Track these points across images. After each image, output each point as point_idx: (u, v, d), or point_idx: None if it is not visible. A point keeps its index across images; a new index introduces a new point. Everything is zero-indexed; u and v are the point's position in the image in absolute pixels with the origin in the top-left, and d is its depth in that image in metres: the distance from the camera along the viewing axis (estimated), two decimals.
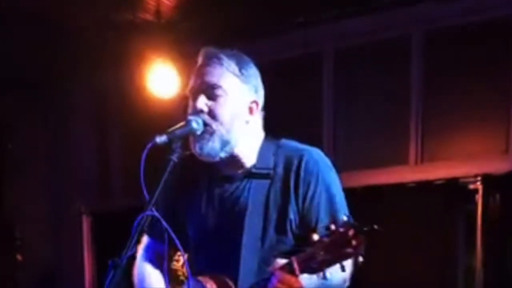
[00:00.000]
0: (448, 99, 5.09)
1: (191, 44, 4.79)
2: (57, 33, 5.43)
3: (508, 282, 4.69)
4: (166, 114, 4.76)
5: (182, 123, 2.29)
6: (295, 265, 2.07)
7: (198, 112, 2.32)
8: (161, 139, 2.18)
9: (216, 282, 2.33)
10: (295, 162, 2.37)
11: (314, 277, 2.10)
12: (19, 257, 6.60)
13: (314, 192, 2.35)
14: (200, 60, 2.39)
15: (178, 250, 2.29)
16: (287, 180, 2.37)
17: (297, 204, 2.35)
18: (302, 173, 2.35)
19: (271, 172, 2.39)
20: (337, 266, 2.03)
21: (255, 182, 2.39)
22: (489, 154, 4.92)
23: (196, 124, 2.29)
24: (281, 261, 2.14)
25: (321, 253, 1.98)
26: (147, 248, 2.60)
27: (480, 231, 4.72)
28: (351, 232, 1.93)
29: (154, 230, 2.38)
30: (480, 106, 4.96)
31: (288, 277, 2.09)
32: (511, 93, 4.82)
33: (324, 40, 5.51)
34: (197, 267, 2.39)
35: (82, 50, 5.72)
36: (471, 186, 4.84)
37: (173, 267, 2.86)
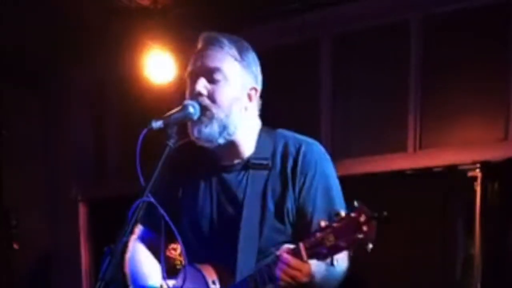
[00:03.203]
0: (446, 86, 5.07)
1: (187, 30, 4.76)
2: (53, 19, 5.40)
3: (507, 269, 4.67)
4: (163, 100, 4.74)
5: (178, 108, 2.27)
6: (303, 251, 2.06)
7: (197, 94, 2.31)
8: (157, 124, 2.16)
9: (215, 270, 2.32)
10: (293, 153, 2.38)
11: (320, 264, 2.08)
12: (15, 245, 6.57)
13: (312, 182, 2.35)
14: (200, 43, 2.38)
15: (171, 239, 2.28)
16: (285, 170, 2.37)
17: (294, 194, 2.35)
18: (300, 164, 2.36)
19: (269, 162, 2.38)
20: (343, 254, 2.02)
21: (252, 172, 2.39)
22: (488, 141, 4.90)
23: (193, 108, 2.27)
24: (289, 246, 2.11)
25: (331, 238, 1.96)
26: (140, 238, 2.59)
27: (479, 218, 4.70)
28: (362, 218, 1.92)
29: (148, 219, 2.36)
30: (479, 93, 4.94)
31: (296, 261, 2.07)
32: (510, 80, 4.79)
33: (321, 26, 5.47)
34: (192, 257, 2.35)
35: (78, 36, 5.68)
36: (470, 174, 4.82)
37: (171, 255, 2.85)
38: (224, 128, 2.33)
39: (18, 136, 6.72)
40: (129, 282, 2.55)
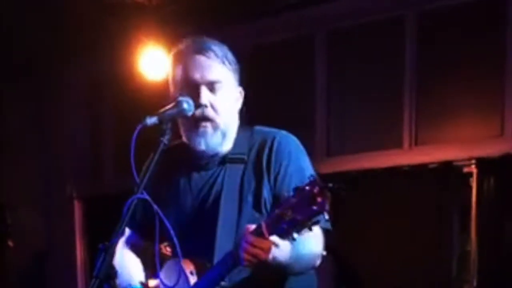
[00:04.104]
0: (442, 82, 5.06)
1: (181, 26, 4.75)
2: (47, 14, 5.38)
3: (503, 266, 4.67)
4: (158, 96, 4.72)
5: (172, 104, 2.28)
6: (264, 228, 2.07)
7: (203, 106, 2.34)
8: (151, 120, 2.19)
9: (193, 263, 2.35)
10: (268, 143, 2.42)
11: (285, 247, 2.11)
12: (10, 242, 6.56)
13: (286, 171, 2.39)
14: (192, 49, 2.40)
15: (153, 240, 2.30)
16: (259, 161, 2.41)
17: (269, 183, 2.39)
18: (274, 153, 2.40)
19: (245, 156, 2.43)
20: (308, 236, 2.04)
21: (229, 166, 2.43)
22: (484, 137, 4.90)
23: (187, 104, 2.29)
24: (251, 226, 2.13)
25: (289, 213, 1.99)
26: (126, 240, 2.62)
27: (475, 215, 4.70)
28: (316, 189, 1.94)
29: (132, 221, 2.38)
30: (475, 89, 4.94)
31: (256, 239, 2.08)
32: (506, 75, 4.79)
33: (316, 22, 5.47)
34: (176, 252, 2.37)
35: (73, 32, 5.67)
36: (466, 170, 4.82)
37: (167, 252, 2.85)
38: (224, 136, 2.41)
39: (13, 133, 6.71)
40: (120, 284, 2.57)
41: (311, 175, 2.00)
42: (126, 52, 5.58)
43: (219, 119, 2.37)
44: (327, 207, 1.93)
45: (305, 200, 1.95)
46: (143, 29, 5.32)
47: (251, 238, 2.08)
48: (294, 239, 2.01)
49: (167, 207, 2.45)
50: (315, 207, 1.93)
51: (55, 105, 6.81)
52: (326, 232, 2.36)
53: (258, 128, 2.51)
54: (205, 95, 2.35)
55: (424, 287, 5.08)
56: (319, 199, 1.93)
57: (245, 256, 2.11)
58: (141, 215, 2.42)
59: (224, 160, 2.44)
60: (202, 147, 2.38)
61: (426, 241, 5.01)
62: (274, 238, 2.07)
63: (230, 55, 2.43)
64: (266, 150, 2.41)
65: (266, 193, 2.38)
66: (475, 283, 4.73)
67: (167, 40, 5.25)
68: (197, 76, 2.36)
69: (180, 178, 2.51)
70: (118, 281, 2.50)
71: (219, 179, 2.43)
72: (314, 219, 1.97)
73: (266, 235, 2.06)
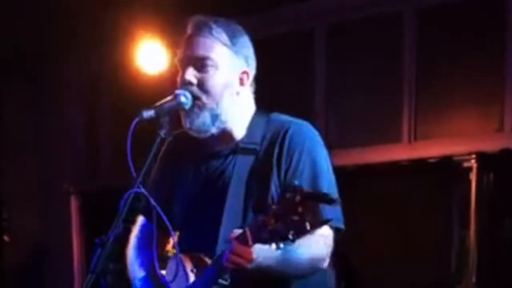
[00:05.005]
0: (441, 77, 5.05)
1: (179, 19, 4.71)
2: (45, 10, 5.36)
3: (502, 261, 4.66)
4: (156, 91, 4.71)
5: (169, 97, 2.23)
6: (248, 235, 1.98)
7: (186, 84, 2.26)
8: (148, 113, 2.12)
9: (191, 259, 2.29)
10: (281, 134, 2.31)
11: (270, 250, 1.96)
12: (6, 237, 6.54)
13: (297, 164, 2.27)
14: (189, 29, 2.32)
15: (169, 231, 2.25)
16: (271, 153, 2.30)
17: (279, 178, 2.28)
18: (286, 145, 2.29)
19: (257, 147, 2.33)
20: (309, 240, 1.93)
21: (240, 157, 2.33)
22: (483, 132, 4.89)
23: (184, 98, 2.24)
24: (238, 231, 2.04)
25: (272, 222, 1.86)
26: (141, 229, 2.57)
27: (474, 209, 4.68)
28: (297, 198, 1.79)
29: (146, 210, 2.34)
30: (474, 83, 4.93)
31: (241, 248, 2.00)
32: (506, 70, 4.78)
33: (316, 16, 5.45)
34: (183, 245, 2.32)
35: (70, 27, 5.65)
36: (465, 164, 4.80)
37: (166, 248, 2.83)
38: (216, 117, 2.29)
39: (10, 129, 6.69)
40: (129, 274, 2.54)
41: (297, 180, 1.88)
42: (124, 46, 5.56)
43: (206, 99, 2.26)
44: (309, 217, 1.77)
45: (287, 209, 1.81)
46: (140, 23, 5.29)
47: (234, 246, 2.01)
48: (279, 248, 1.87)
49: (175, 199, 2.42)
50: (296, 218, 1.78)
51: (53, 101, 6.79)
52: (337, 230, 2.24)
53: (275, 115, 2.41)
54: (190, 72, 2.26)
55: (423, 282, 5.06)
56: (300, 209, 1.77)
57: (228, 264, 2.04)
58: (148, 204, 2.33)
59: (236, 149, 2.35)
60: (187, 125, 2.28)
61: (425, 236, 5.00)
62: (257, 246, 1.97)
63: (235, 34, 2.32)
64: (278, 143, 2.29)
65: (274, 189, 2.26)
66: (474, 279, 4.71)
67: (165, 33, 5.22)
68: (187, 53, 2.29)
69: (189, 168, 2.43)
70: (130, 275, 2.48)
71: (229, 170, 2.33)
72: (296, 230, 1.80)
73: (250, 242, 1.97)
